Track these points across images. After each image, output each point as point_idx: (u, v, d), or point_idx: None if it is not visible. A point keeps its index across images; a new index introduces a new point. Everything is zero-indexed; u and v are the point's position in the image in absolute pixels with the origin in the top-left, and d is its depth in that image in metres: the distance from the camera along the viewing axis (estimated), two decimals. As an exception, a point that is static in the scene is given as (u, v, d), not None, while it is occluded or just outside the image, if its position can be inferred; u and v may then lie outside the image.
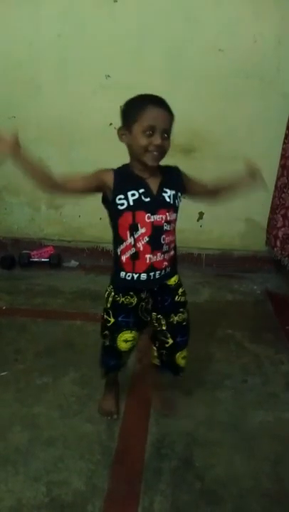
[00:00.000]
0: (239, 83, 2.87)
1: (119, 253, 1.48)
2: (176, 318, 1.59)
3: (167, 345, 1.62)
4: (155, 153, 1.37)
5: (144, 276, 1.47)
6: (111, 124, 2.98)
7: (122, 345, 1.58)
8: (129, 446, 1.62)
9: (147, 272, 1.47)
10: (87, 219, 3.31)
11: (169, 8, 2.77)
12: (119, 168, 1.48)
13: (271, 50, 2.81)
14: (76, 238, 3.38)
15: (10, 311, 2.59)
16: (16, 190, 3.29)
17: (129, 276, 1.48)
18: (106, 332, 1.59)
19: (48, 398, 1.85)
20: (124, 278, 1.49)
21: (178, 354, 1.65)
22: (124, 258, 1.47)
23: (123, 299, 1.53)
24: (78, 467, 1.52)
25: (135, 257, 1.45)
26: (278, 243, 2.98)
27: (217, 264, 3.27)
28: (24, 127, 3.11)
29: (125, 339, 1.56)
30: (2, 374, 1.99)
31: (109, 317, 1.56)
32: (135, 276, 1.47)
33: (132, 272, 1.47)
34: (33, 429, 1.68)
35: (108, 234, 3.33)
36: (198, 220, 3.23)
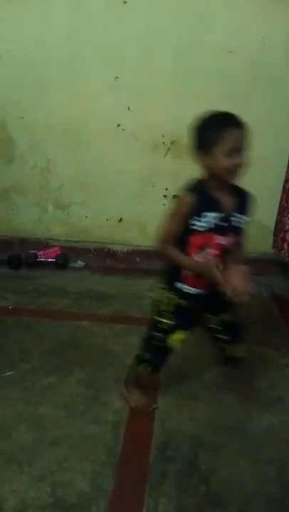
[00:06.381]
0: (248, 84, 2.87)
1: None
2: (226, 317, 1.66)
3: (223, 339, 1.70)
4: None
5: (203, 290, 1.55)
6: (119, 125, 2.99)
7: (175, 344, 1.66)
8: (134, 448, 1.62)
9: (207, 286, 1.53)
10: (94, 220, 3.32)
11: (177, 9, 2.77)
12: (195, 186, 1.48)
13: (280, 52, 2.80)
14: (83, 239, 3.38)
15: (16, 310, 2.60)
16: (23, 191, 3.30)
17: (190, 290, 1.56)
18: (157, 333, 1.64)
19: (54, 398, 1.85)
20: (183, 290, 1.56)
21: (236, 347, 1.72)
22: (186, 272, 1.53)
23: (186, 303, 1.58)
24: (83, 468, 1.52)
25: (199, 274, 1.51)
26: (285, 246, 2.97)
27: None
28: (32, 128, 3.13)
29: (177, 339, 1.64)
30: (8, 373, 2.00)
31: (165, 319, 1.61)
32: (196, 290, 1.55)
33: (194, 287, 1.55)
34: (38, 429, 1.68)
35: (114, 235, 3.33)
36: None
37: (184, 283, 1.55)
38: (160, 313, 1.63)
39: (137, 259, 3.36)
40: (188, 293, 1.56)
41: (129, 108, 2.97)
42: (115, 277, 3.15)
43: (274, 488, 1.48)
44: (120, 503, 1.41)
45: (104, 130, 3.03)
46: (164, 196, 3.17)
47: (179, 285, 1.56)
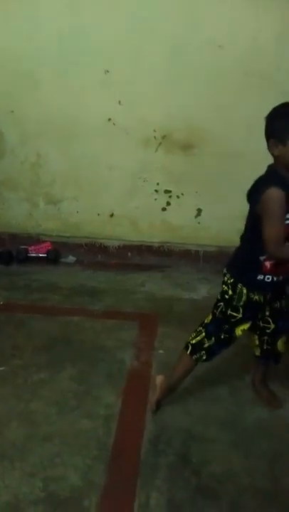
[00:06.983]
0: (239, 80, 2.87)
1: (262, 259, 1.54)
2: (278, 304, 1.69)
3: (269, 331, 1.74)
4: None
5: (281, 277, 1.58)
6: (109, 119, 2.98)
7: (239, 334, 1.68)
8: (126, 442, 1.63)
9: (284, 273, 1.58)
10: (85, 215, 3.30)
11: (169, 4, 2.75)
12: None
13: (271, 48, 2.80)
14: (74, 234, 3.37)
15: (7, 306, 2.58)
16: (14, 186, 3.28)
17: (271, 278, 1.57)
18: (225, 326, 1.66)
19: (45, 394, 1.85)
20: (266, 280, 1.57)
21: (279, 340, 1.76)
22: (269, 263, 1.54)
23: (257, 296, 1.62)
24: (75, 463, 1.52)
25: (280, 262, 1.54)
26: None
27: (215, 260, 3.26)
28: (23, 122, 3.11)
29: (242, 329, 1.67)
30: (-1, 369, 1.99)
31: (238, 313, 1.64)
32: (276, 277, 1.57)
33: (274, 275, 1.56)
34: (30, 424, 1.68)
35: (106, 230, 3.31)
36: (196, 217, 3.23)
37: (266, 273, 1.56)
38: (232, 307, 1.64)
39: (129, 254, 3.35)
40: (269, 282, 1.57)
41: (119, 102, 2.95)
42: (107, 272, 3.15)
43: (265, 481, 1.49)
44: (112, 497, 1.41)
45: (95, 124, 3.01)
46: (156, 191, 3.17)
47: (262, 276, 1.57)
